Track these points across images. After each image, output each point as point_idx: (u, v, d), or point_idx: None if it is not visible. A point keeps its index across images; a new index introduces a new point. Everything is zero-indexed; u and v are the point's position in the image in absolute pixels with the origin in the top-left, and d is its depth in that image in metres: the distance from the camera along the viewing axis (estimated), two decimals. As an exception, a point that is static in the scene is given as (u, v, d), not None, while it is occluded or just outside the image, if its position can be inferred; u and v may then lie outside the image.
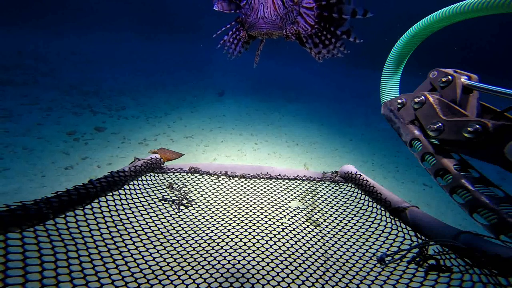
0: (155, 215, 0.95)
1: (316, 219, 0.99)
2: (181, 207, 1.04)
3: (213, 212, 1.03)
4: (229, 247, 0.84)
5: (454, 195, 0.65)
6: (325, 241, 0.89)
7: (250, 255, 0.81)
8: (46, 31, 11.30)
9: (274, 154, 4.67)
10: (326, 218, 1.01)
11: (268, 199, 1.11)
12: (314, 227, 0.98)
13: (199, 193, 1.12)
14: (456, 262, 0.61)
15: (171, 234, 0.88)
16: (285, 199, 1.12)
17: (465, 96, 0.72)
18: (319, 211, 1.05)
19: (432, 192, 4.20)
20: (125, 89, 7.15)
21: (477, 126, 0.57)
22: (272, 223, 0.97)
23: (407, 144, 0.82)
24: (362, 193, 1.11)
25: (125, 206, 0.91)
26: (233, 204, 1.07)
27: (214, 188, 1.15)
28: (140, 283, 0.66)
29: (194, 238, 0.88)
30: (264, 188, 1.18)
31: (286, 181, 1.24)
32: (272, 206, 1.07)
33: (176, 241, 0.85)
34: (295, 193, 1.16)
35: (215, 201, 1.09)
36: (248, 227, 0.95)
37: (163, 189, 1.10)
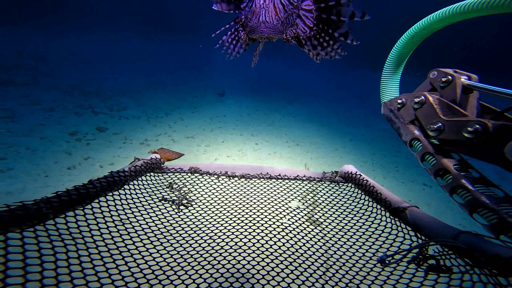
0: (155, 215, 0.95)
1: (316, 219, 0.99)
2: (181, 207, 1.04)
3: (213, 212, 1.03)
4: (229, 247, 0.84)
5: (454, 195, 0.65)
6: (325, 241, 0.89)
7: (250, 255, 0.81)
8: (45, 31, 11.30)
9: (274, 154, 4.68)
10: (326, 218, 1.01)
11: (268, 199, 1.11)
12: (314, 227, 0.98)
13: (199, 193, 1.12)
14: (456, 262, 0.61)
15: (171, 234, 0.88)
16: (285, 199, 1.12)
17: (465, 96, 0.72)
18: (319, 211, 1.05)
19: (432, 192, 4.20)
20: (126, 89, 7.15)
21: (477, 126, 0.57)
22: (272, 223, 0.97)
23: (407, 144, 0.82)
24: (362, 193, 1.11)
25: (125, 206, 0.91)
26: (233, 204, 1.07)
27: (214, 188, 1.15)
28: (140, 283, 0.66)
29: (194, 238, 0.87)
30: (264, 188, 1.18)
31: (286, 181, 1.24)
32: (272, 206, 1.07)
33: (176, 241, 0.85)
34: (295, 193, 1.16)
35: (215, 201, 1.09)
36: (248, 227, 0.95)
37: (163, 189, 1.10)
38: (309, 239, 0.91)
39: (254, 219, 0.99)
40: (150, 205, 0.98)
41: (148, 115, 5.73)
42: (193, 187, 1.14)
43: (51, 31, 11.53)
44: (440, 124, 0.69)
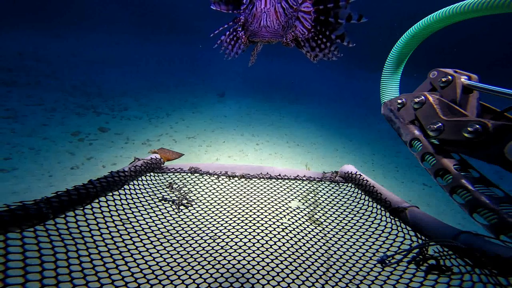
0: (155, 215, 0.95)
1: (317, 218, 0.99)
2: (181, 207, 1.04)
3: (213, 212, 1.03)
4: (229, 247, 0.84)
5: (454, 195, 0.65)
6: (325, 241, 0.89)
7: (250, 255, 0.81)
8: (44, 33, 11.31)
9: (275, 155, 4.68)
10: (326, 218, 1.01)
11: (268, 199, 1.11)
12: (314, 227, 0.98)
13: (199, 193, 1.12)
14: (456, 262, 0.61)
15: (171, 234, 0.88)
16: (285, 199, 1.12)
17: (465, 96, 0.71)
18: (319, 211, 1.05)
19: (432, 191, 4.20)
20: (127, 90, 7.17)
21: (477, 126, 0.57)
22: (272, 223, 0.97)
23: (407, 144, 0.82)
24: (362, 193, 1.10)
25: (125, 206, 0.91)
26: (233, 204, 1.07)
27: (214, 188, 1.15)
28: (140, 283, 0.66)
29: (194, 238, 0.88)
30: (264, 188, 1.18)
31: (286, 181, 1.24)
32: (272, 206, 1.07)
33: (176, 241, 0.85)
34: (295, 193, 1.16)
35: (215, 201, 1.09)
36: (248, 227, 0.95)
37: (163, 189, 1.10)
38: (309, 239, 0.91)
39: (254, 219, 0.99)
40: (150, 205, 0.98)
41: (149, 115, 5.74)
42: (193, 187, 1.14)
43: (49, 33, 11.55)
44: (440, 124, 0.69)
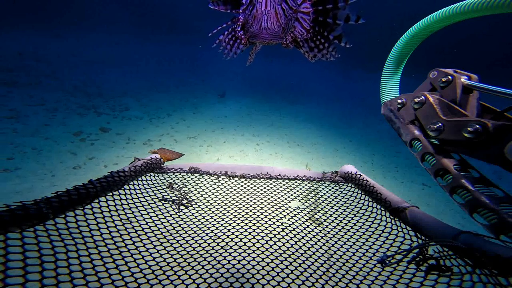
0: (155, 215, 0.95)
1: (317, 218, 0.99)
2: (181, 207, 1.04)
3: (213, 212, 1.03)
4: (229, 247, 0.84)
5: (454, 195, 0.65)
6: (325, 241, 0.89)
7: (250, 255, 0.81)
8: (43, 33, 11.30)
9: (276, 155, 4.68)
10: (326, 218, 1.01)
11: (268, 199, 1.11)
12: (314, 227, 0.98)
13: (199, 193, 1.12)
14: (456, 262, 0.61)
15: (171, 234, 0.88)
16: (285, 199, 1.12)
17: (465, 96, 0.71)
18: (319, 211, 1.05)
19: (431, 191, 4.21)
20: (127, 90, 7.17)
21: (477, 126, 0.57)
22: (272, 223, 0.97)
23: (407, 144, 0.82)
24: (362, 193, 1.10)
25: (125, 206, 0.91)
26: (233, 204, 1.07)
27: (214, 188, 1.15)
28: (140, 283, 0.66)
29: (194, 238, 0.87)
30: (264, 188, 1.18)
31: (286, 181, 1.23)
32: (272, 206, 1.07)
33: (176, 241, 0.85)
34: (295, 193, 1.16)
35: (215, 201, 1.09)
36: (248, 227, 0.94)
37: (163, 189, 1.10)
38: (309, 239, 0.91)
39: (254, 219, 0.99)
40: (150, 205, 0.98)
41: (150, 115, 5.75)
42: (193, 187, 1.14)
43: (49, 33, 11.54)
44: (440, 124, 0.69)
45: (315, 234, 0.93)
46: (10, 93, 5.32)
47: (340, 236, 0.90)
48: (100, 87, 6.94)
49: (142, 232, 0.85)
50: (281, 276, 0.73)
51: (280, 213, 1.04)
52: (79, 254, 0.65)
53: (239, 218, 0.99)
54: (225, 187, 1.17)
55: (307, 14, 1.44)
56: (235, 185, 1.18)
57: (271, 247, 0.85)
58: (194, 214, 1.00)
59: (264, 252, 0.82)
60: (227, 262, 0.78)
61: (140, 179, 1.07)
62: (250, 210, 1.03)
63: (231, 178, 1.22)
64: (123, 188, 0.96)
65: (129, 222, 0.85)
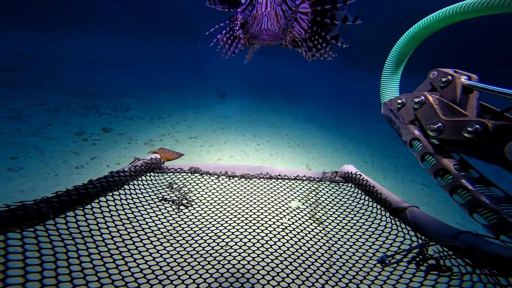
0: (155, 215, 0.95)
1: (319, 217, 0.99)
2: (181, 207, 1.04)
3: (213, 212, 1.03)
4: (229, 247, 0.84)
5: (454, 195, 0.65)
6: (325, 241, 0.89)
7: (250, 255, 0.81)
8: (43, 33, 11.30)
9: (276, 155, 4.69)
10: (326, 218, 1.00)
11: (268, 199, 1.11)
12: (314, 227, 0.98)
13: (199, 193, 1.12)
14: (456, 262, 0.61)
15: (171, 234, 0.88)
16: (285, 199, 1.12)
17: (465, 96, 0.71)
18: (319, 211, 1.05)
19: (431, 191, 4.21)
20: (128, 90, 7.18)
21: (477, 126, 0.57)
22: (272, 223, 0.97)
23: (407, 144, 0.82)
24: (362, 193, 1.10)
25: (125, 206, 0.91)
26: (233, 204, 1.07)
27: (214, 188, 1.15)
28: (140, 283, 0.66)
29: (194, 238, 0.87)
30: (264, 188, 1.18)
31: (286, 181, 1.23)
32: (272, 206, 1.07)
33: (176, 241, 0.85)
34: (295, 193, 1.16)
35: (215, 201, 1.08)
36: (248, 227, 0.94)
37: (163, 189, 1.10)
38: (309, 239, 0.91)
39: (254, 219, 0.99)
40: (150, 205, 0.98)
41: (151, 115, 5.76)
42: (193, 187, 1.14)
43: (49, 33, 11.55)
44: (440, 124, 0.69)
45: (315, 234, 0.93)
46: (11, 93, 5.33)
47: (340, 236, 0.90)
48: (100, 87, 6.94)
49: (142, 232, 0.85)
50: (281, 276, 0.73)
51: (280, 213, 1.04)
52: (79, 254, 0.65)
53: (239, 218, 0.99)
54: (225, 187, 1.17)
55: (305, 14, 1.45)
56: (235, 185, 1.18)
57: (271, 247, 0.85)
58: (194, 214, 1.00)
59: (264, 252, 0.82)
60: (227, 262, 0.78)
61: (140, 179, 1.07)
62: (250, 210, 1.03)
63: (231, 178, 1.22)
64: (123, 188, 0.96)
65: (129, 222, 0.85)
